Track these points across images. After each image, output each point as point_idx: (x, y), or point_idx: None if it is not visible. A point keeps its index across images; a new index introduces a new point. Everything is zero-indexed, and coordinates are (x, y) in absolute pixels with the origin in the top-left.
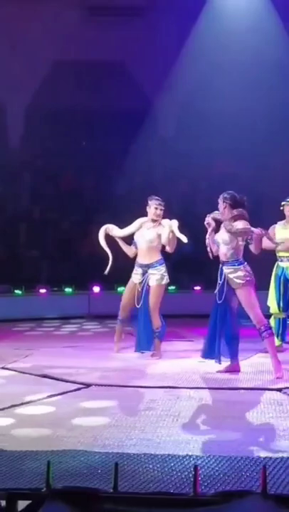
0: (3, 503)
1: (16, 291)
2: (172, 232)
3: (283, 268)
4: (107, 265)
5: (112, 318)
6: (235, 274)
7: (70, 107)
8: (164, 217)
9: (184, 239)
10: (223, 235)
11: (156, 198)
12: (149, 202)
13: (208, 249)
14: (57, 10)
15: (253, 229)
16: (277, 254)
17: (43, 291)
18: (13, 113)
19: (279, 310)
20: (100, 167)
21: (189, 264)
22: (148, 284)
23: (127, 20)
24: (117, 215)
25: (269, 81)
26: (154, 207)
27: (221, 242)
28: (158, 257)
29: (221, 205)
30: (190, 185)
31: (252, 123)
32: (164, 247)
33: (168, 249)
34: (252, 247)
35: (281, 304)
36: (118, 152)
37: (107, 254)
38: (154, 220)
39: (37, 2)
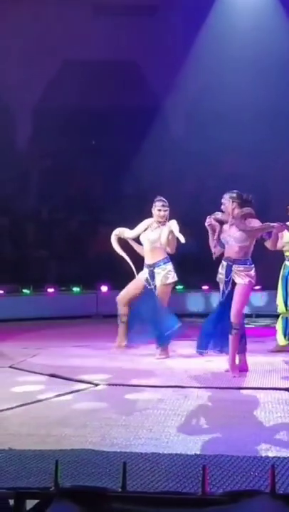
0: (12, 502)
1: (24, 291)
2: (172, 232)
3: None
4: (132, 268)
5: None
6: (246, 272)
7: (79, 106)
8: (171, 218)
9: (182, 239)
10: (234, 234)
11: (161, 199)
12: (154, 203)
13: (213, 250)
14: (66, 8)
15: (272, 224)
16: (285, 254)
17: (51, 290)
18: (21, 113)
19: (286, 309)
20: (108, 166)
21: (197, 263)
22: (154, 284)
23: (135, 18)
24: (125, 214)
25: (278, 79)
26: (157, 209)
27: (232, 241)
28: (162, 256)
29: (228, 204)
30: (198, 183)
31: (260, 121)
32: None
33: (168, 249)
34: (268, 244)
35: (288, 303)
36: (126, 151)
37: (124, 258)
38: (159, 221)
39: (45, 1)
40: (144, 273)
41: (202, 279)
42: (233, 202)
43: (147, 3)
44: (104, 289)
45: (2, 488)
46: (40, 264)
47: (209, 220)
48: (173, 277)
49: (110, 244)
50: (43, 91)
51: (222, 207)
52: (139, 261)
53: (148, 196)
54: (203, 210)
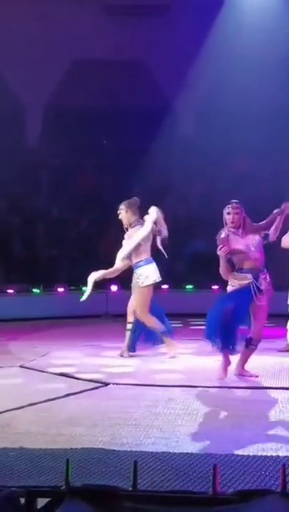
0: (23, 500)
1: (34, 290)
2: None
3: None
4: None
5: None
6: (268, 280)
7: (89, 105)
8: (181, 218)
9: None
10: (254, 241)
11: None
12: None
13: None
14: (76, 8)
15: (276, 210)
16: None
17: (60, 290)
18: (31, 112)
19: None
20: (118, 166)
21: (206, 263)
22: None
23: (145, 18)
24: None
25: (288, 78)
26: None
27: (253, 250)
28: (138, 258)
29: (240, 214)
30: (208, 183)
31: (270, 120)
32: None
33: (165, 232)
34: (284, 241)
35: None
36: (136, 151)
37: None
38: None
39: (57, 1)
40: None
41: (212, 278)
42: (242, 211)
43: (157, 4)
44: (114, 288)
45: (13, 487)
46: (50, 263)
47: (225, 249)
48: (149, 280)
49: (120, 243)
50: (53, 90)
51: (229, 217)
52: None
53: (157, 196)
54: (214, 210)
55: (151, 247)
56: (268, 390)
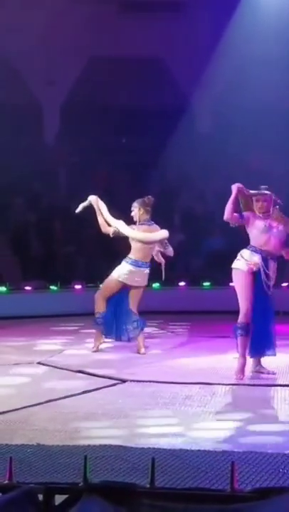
0: (41, 497)
1: (52, 287)
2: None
3: None
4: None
5: (147, 314)
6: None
7: (106, 103)
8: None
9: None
10: (277, 228)
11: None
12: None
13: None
14: (93, 5)
15: None
16: None
17: (78, 287)
18: (49, 110)
19: None
20: (135, 164)
21: (223, 260)
22: None
23: (161, 15)
24: (152, 211)
25: None
26: None
27: (273, 234)
28: (134, 255)
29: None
30: (225, 180)
31: (287, 117)
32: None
33: (169, 249)
34: None
35: None
36: (153, 148)
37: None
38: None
39: None
40: None
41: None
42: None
43: (173, 1)
44: None
45: (31, 483)
46: (68, 260)
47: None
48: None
49: None
50: (71, 88)
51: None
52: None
53: (174, 193)
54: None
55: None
56: (286, 388)
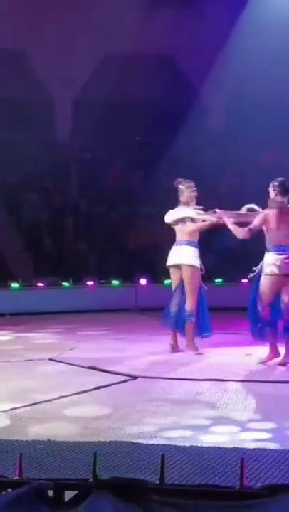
0: (51, 493)
1: (64, 284)
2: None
3: None
4: None
5: (158, 310)
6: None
7: (118, 100)
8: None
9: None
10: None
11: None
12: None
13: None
14: (106, 2)
15: None
16: None
17: (90, 283)
18: (62, 106)
19: None
20: (147, 160)
21: (236, 257)
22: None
23: (172, 11)
24: (164, 207)
25: None
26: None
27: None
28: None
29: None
30: (238, 177)
31: None
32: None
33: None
34: None
35: None
36: (165, 144)
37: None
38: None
39: None
40: None
41: (241, 272)
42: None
43: None
44: (143, 282)
45: (41, 479)
46: (80, 257)
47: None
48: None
49: (149, 237)
50: (84, 85)
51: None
52: None
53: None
54: (244, 203)
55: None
56: None
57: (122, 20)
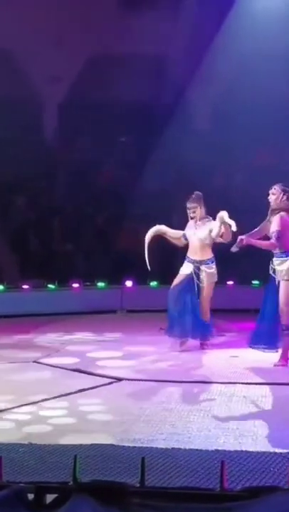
0: (32, 496)
1: (50, 286)
2: (224, 222)
3: None
4: (147, 262)
5: (144, 312)
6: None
7: (104, 101)
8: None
9: (234, 226)
10: None
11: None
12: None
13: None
14: (90, 2)
15: None
16: None
17: (76, 285)
18: (49, 107)
19: None
20: (135, 161)
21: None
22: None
23: (161, 13)
24: (150, 209)
25: None
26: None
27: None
28: (210, 255)
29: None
30: (226, 178)
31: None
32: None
33: (222, 239)
34: None
35: None
36: (151, 146)
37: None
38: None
39: None
40: (189, 268)
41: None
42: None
43: None
44: (128, 283)
45: (22, 483)
46: (66, 259)
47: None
48: (216, 277)
49: (136, 239)
50: (71, 85)
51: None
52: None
53: (173, 191)
54: (232, 206)
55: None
56: (280, 386)
57: (109, 21)
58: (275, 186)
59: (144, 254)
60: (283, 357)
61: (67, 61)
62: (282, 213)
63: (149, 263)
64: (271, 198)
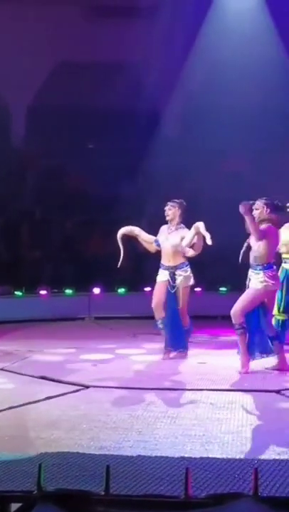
0: None
1: (17, 293)
2: (199, 233)
3: (286, 270)
4: (119, 261)
5: (112, 319)
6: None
7: (74, 107)
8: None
9: (209, 240)
10: None
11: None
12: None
13: None
14: (64, 9)
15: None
16: (282, 257)
17: (43, 292)
18: (16, 112)
19: (278, 311)
20: (104, 167)
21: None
22: (176, 286)
23: (132, 20)
24: (120, 216)
25: (274, 79)
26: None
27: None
28: (183, 259)
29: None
30: (195, 184)
31: (257, 121)
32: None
33: (191, 252)
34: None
35: (281, 306)
36: (122, 152)
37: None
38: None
39: (44, 1)
40: (165, 275)
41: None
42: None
43: (144, 5)
44: (96, 291)
45: None
46: (34, 265)
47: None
48: (192, 280)
49: (104, 245)
50: (40, 91)
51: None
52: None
53: (144, 197)
54: (202, 212)
55: None
56: (245, 393)
57: (78, 28)
58: (258, 201)
59: (120, 253)
60: (281, 361)
61: (34, 69)
62: (270, 224)
63: (122, 261)
64: (255, 213)
